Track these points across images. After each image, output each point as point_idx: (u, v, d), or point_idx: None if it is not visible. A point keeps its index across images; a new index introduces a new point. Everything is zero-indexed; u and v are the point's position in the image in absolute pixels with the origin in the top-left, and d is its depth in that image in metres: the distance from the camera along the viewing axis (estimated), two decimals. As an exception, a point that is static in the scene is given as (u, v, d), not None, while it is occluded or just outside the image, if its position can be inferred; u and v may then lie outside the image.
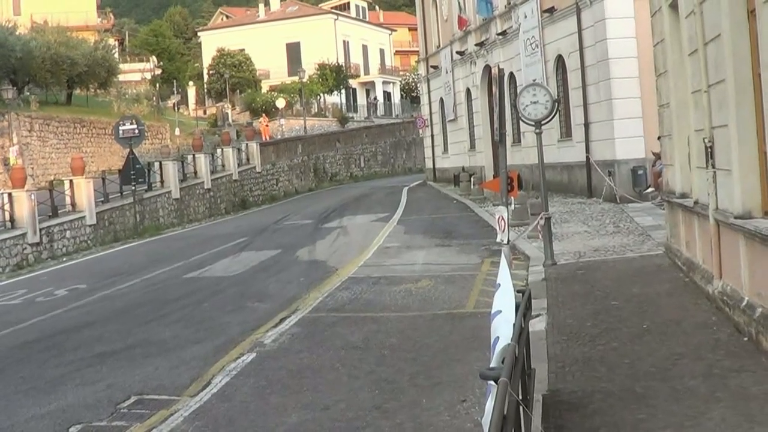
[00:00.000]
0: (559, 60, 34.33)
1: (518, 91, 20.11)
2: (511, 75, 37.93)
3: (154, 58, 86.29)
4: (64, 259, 28.48)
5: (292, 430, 9.55)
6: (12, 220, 27.11)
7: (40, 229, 28.00)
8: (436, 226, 29.20)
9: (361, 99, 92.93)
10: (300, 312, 16.18)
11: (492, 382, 5.24)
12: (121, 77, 68.78)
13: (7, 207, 27.12)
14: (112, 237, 32.73)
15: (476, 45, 44.65)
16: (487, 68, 43.22)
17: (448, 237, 26.11)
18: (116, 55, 70.54)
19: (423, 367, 11.79)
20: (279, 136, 64.00)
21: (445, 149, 54.14)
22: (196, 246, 28.85)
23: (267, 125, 63.73)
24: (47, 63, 54.46)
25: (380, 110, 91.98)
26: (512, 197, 19.13)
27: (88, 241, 31.00)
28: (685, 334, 11.46)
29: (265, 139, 60.02)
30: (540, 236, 19.33)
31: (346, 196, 47.96)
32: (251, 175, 50.86)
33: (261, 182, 52.30)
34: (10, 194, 27.33)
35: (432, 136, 56.75)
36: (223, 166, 46.87)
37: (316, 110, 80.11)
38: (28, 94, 54.77)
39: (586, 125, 31.56)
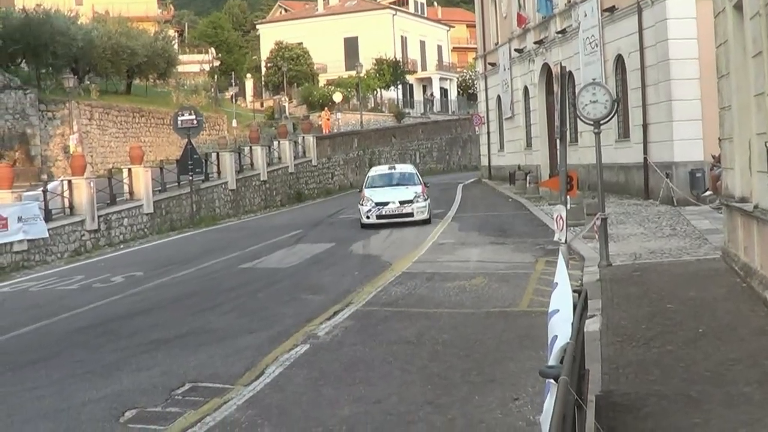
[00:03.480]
0: (619, 60, 34.06)
1: (577, 90, 20.00)
2: (570, 74, 37.63)
3: (212, 50, 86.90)
4: (121, 246, 28.83)
5: (344, 423, 9.58)
6: (71, 206, 27.51)
7: (99, 217, 28.38)
8: (491, 224, 29.13)
9: (418, 95, 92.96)
10: (354, 305, 16.24)
11: (552, 381, 5.24)
12: (180, 68, 69.27)
13: (66, 194, 27.52)
14: (168, 226, 33.08)
15: (535, 43, 44.44)
16: (546, 66, 43.03)
17: (503, 235, 26.04)
18: (175, 47, 71.13)
19: (476, 363, 11.79)
20: (335, 130, 64.22)
21: (501, 147, 53.96)
22: (251, 237, 29.07)
23: (328, 119, 63.97)
24: (108, 53, 55.05)
25: (436, 106, 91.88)
26: (571, 196, 19.00)
27: (145, 230, 31.37)
28: (741, 340, 11.34)
29: (326, 132, 60.24)
30: (596, 237, 19.21)
31: (400, 191, 47.89)
32: (307, 168, 51.11)
33: (316, 175, 52.54)
34: (69, 181, 27.74)
35: (488, 133, 56.59)
36: (280, 158, 47.17)
37: (373, 105, 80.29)
38: (89, 82, 55.34)
39: (645, 126, 31.28)
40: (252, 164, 43.09)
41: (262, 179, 43.41)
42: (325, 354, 12.70)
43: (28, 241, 24.69)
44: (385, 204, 29.73)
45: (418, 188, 31.06)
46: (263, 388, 11.06)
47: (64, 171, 38.98)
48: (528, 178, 40.51)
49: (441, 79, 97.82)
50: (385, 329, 14.18)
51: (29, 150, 42.18)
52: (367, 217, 29.57)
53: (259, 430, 9.52)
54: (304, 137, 52.26)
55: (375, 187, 31.62)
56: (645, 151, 31.17)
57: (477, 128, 59.59)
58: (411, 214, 29.52)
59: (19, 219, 24.24)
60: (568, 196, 17.84)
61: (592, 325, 12.45)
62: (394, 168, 34.93)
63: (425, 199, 30.36)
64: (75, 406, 10.66)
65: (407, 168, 35.21)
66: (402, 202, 29.80)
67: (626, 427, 8.35)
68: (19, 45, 47.62)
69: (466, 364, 11.80)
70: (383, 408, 10.06)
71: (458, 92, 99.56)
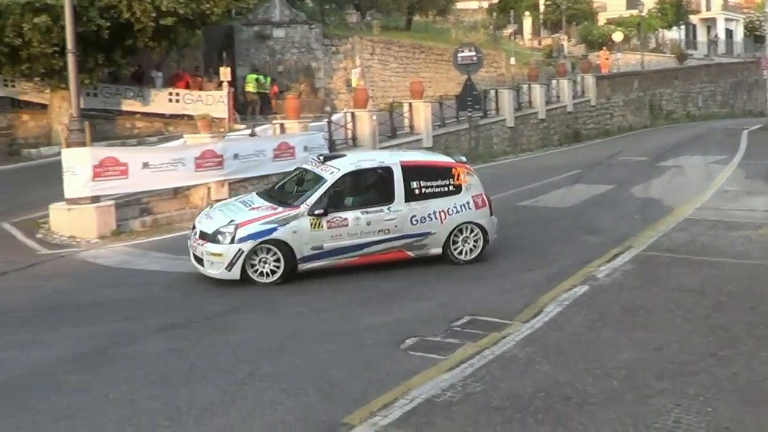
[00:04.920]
0: None
1: None
2: None
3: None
4: (400, 179, 29.40)
5: (623, 368, 9.50)
6: (354, 138, 28.35)
7: (380, 149, 29.07)
8: (781, 174, 27.69)
9: (701, 36, 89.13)
10: (634, 249, 16.00)
11: None
12: (458, 5, 69.59)
13: (350, 125, 28.40)
14: (446, 161, 33.46)
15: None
16: None
17: (795, 186, 24.74)
18: (455, -16, 71.37)
19: (762, 317, 11.41)
20: (614, 71, 62.74)
21: (793, 92, 51.02)
22: (528, 175, 28.96)
23: (607, 59, 62.59)
24: (389, -12, 56.10)
25: (720, 48, 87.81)
26: None
27: (423, 164, 31.85)
28: None
29: (604, 72, 59.03)
30: None
31: (682, 135, 46.31)
32: (585, 108, 50.22)
33: (595, 116, 51.57)
34: (353, 114, 28.58)
35: (777, 77, 53.62)
36: (558, 97, 46.55)
37: (654, 46, 77.75)
38: (371, 18, 56.60)
39: None
40: (530, 102, 42.77)
41: (540, 118, 43.05)
42: (604, 296, 12.63)
43: (314, 170, 25.71)
44: (195, 233, 14.94)
45: (254, 213, 14.46)
46: (541, 327, 11.15)
47: (346, 104, 40.22)
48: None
49: (726, 19, 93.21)
50: (666, 275, 13.92)
51: (314, 83, 43.71)
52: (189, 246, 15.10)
53: (537, 367, 9.62)
54: (583, 77, 51.33)
55: (262, 195, 15.63)
56: None
57: (764, 72, 56.55)
58: (201, 260, 14.42)
59: (305, 148, 25.16)
60: None
61: None
62: (323, 163, 15.38)
63: (242, 239, 13.97)
64: (359, 329, 11.16)
65: (341, 167, 14.99)
66: (204, 236, 14.54)
67: None
68: (304, -19, 49.34)
69: (752, 317, 11.42)
70: (663, 356, 9.91)
71: (744, 34, 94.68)
